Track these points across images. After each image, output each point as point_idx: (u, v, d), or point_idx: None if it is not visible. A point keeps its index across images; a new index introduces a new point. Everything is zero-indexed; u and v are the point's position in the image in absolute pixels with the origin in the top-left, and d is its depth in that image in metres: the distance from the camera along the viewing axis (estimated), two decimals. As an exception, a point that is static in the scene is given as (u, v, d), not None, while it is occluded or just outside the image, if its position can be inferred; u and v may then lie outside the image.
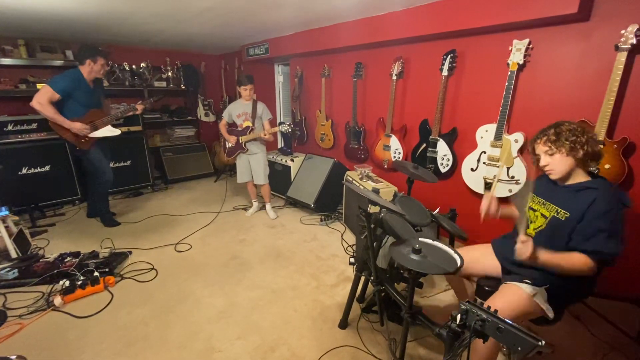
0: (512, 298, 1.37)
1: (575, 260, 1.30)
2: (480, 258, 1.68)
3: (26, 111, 3.72)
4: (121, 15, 3.02)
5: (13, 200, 3.39)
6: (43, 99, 2.80)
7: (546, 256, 1.29)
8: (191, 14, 2.98)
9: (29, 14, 2.90)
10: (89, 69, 2.97)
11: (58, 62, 4.03)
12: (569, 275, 1.33)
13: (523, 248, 1.27)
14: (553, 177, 1.44)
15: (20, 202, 3.49)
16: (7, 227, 2.71)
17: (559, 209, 1.41)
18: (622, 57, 1.78)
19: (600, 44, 1.96)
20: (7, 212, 2.72)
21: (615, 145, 1.86)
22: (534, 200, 1.55)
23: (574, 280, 1.39)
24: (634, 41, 1.75)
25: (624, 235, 1.30)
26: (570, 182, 1.43)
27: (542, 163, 1.44)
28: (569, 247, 1.35)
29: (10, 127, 3.52)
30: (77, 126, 2.96)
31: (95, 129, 3.10)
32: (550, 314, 1.41)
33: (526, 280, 1.42)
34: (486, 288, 1.55)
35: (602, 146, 1.87)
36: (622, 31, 1.77)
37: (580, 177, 1.41)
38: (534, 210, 1.53)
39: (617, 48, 1.80)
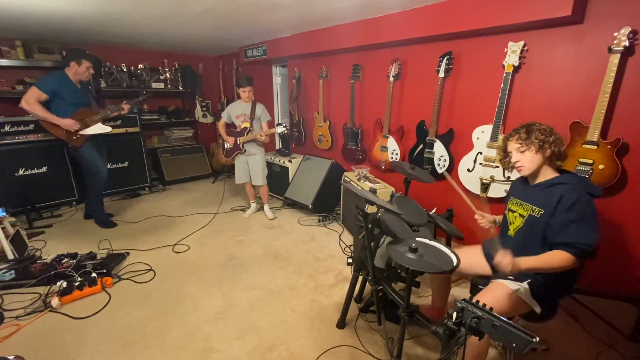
0: (496, 294, 1.43)
1: (555, 257, 1.34)
2: (474, 259, 1.72)
3: (23, 112, 3.71)
4: (119, 17, 3.02)
5: (10, 201, 3.38)
6: (31, 99, 2.87)
7: (527, 262, 1.33)
8: (189, 16, 2.99)
9: (26, 15, 2.90)
10: (74, 71, 3.02)
11: (55, 63, 4.01)
12: (558, 271, 1.35)
13: (502, 265, 1.31)
14: (523, 173, 1.53)
15: (17, 204, 3.47)
16: (3, 229, 2.71)
17: (534, 207, 1.48)
18: (615, 59, 1.81)
19: (593, 46, 1.99)
20: (3, 214, 2.72)
21: (609, 146, 1.88)
22: (512, 202, 1.61)
23: (554, 274, 1.42)
24: (627, 43, 1.78)
25: (597, 224, 1.33)
26: (540, 179, 1.50)
27: (513, 159, 1.53)
28: (546, 243, 1.41)
29: (7, 128, 3.51)
30: (67, 122, 3.00)
31: (86, 126, 3.13)
32: (537, 308, 1.45)
33: (509, 277, 1.48)
34: (480, 286, 1.57)
35: (595, 147, 1.91)
36: (615, 33, 1.80)
37: (549, 174, 1.49)
38: (513, 212, 1.59)
39: (610, 50, 1.83)
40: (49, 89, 2.93)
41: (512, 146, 1.52)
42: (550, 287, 1.46)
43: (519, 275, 1.46)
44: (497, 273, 1.56)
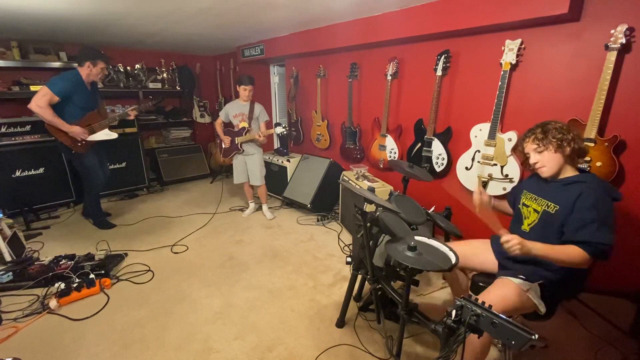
0: (505, 292, 1.40)
1: (570, 252, 1.31)
2: (480, 252, 1.71)
3: (20, 113, 3.71)
4: (116, 16, 3.00)
5: (7, 203, 3.37)
6: (42, 101, 2.73)
7: (539, 247, 1.30)
8: (186, 15, 2.97)
9: (21, 15, 2.87)
10: (88, 72, 2.93)
11: (52, 64, 4.00)
12: (566, 266, 1.34)
13: (509, 244, 1.28)
14: (544, 174, 1.49)
15: (14, 205, 3.46)
16: (0, 230, 2.70)
17: (549, 203, 1.45)
18: (612, 56, 1.81)
19: (590, 43, 1.99)
20: (1, 215, 2.70)
21: (607, 143, 1.88)
22: (527, 197, 1.59)
23: (567, 276, 1.41)
24: (624, 41, 1.78)
25: (615, 228, 1.32)
26: (559, 177, 1.48)
27: (532, 160, 1.49)
28: (562, 241, 1.38)
29: (3, 130, 3.49)
30: (76, 130, 2.91)
31: (93, 132, 3.07)
32: (542, 309, 1.43)
33: (520, 276, 1.45)
34: (480, 284, 1.57)
35: (593, 144, 1.91)
36: (612, 31, 1.80)
37: (569, 173, 1.47)
38: (527, 207, 1.57)
39: (607, 47, 1.83)
40: (62, 91, 2.78)
41: (529, 147, 1.49)
42: (561, 288, 1.45)
43: (530, 275, 1.44)
44: (504, 270, 1.55)
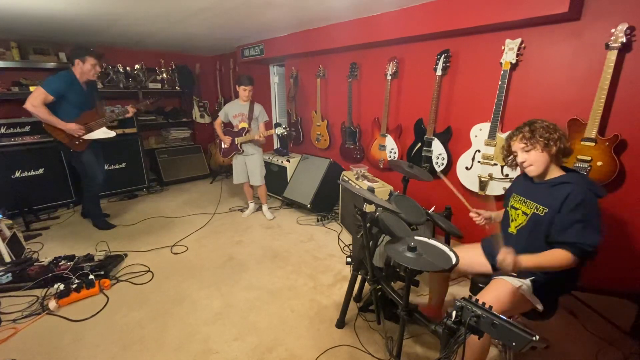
0: (499, 291, 1.41)
1: (556, 256, 1.33)
2: (473, 258, 1.72)
3: (19, 114, 3.71)
4: (115, 17, 3.00)
5: (6, 204, 3.37)
6: (36, 101, 2.76)
7: (526, 260, 1.32)
8: (186, 15, 2.97)
9: (20, 16, 2.87)
10: (79, 70, 2.94)
11: (51, 65, 4.00)
12: (559, 270, 1.35)
13: (505, 263, 1.31)
14: (532, 173, 1.50)
15: (14, 206, 3.46)
16: (0, 231, 2.69)
17: (539, 206, 1.46)
18: (612, 55, 1.81)
19: (591, 42, 1.98)
20: (0, 216, 2.70)
21: (607, 143, 1.88)
22: (515, 199, 1.59)
23: (557, 272, 1.42)
24: (624, 40, 1.77)
25: (601, 226, 1.33)
26: (546, 178, 1.49)
27: (519, 159, 1.50)
28: (549, 242, 1.40)
29: (3, 130, 3.49)
30: (72, 127, 2.93)
31: (90, 130, 3.07)
32: (539, 306, 1.44)
33: (512, 274, 1.46)
34: (480, 285, 1.57)
35: (594, 144, 1.91)
36: (612, 30, 1.80)
37: (555, 173, 1.48)
38: (515, 209, 1.58)
39: (607, 46, 1.82)
40: (56, 90, 2.82)
41: (517, 146, 1.50)
42: (553, 284, 1.46)
43: (521, 272, 1.44)
44: (498, 270, 1.55)
